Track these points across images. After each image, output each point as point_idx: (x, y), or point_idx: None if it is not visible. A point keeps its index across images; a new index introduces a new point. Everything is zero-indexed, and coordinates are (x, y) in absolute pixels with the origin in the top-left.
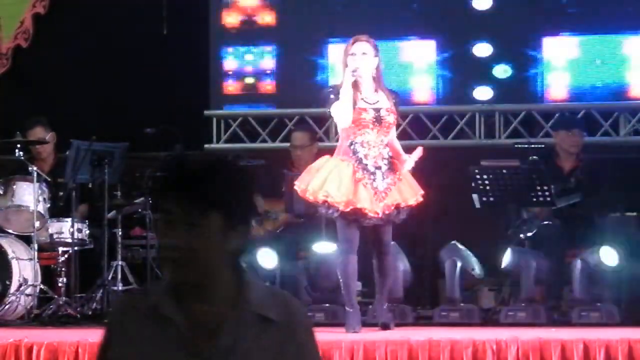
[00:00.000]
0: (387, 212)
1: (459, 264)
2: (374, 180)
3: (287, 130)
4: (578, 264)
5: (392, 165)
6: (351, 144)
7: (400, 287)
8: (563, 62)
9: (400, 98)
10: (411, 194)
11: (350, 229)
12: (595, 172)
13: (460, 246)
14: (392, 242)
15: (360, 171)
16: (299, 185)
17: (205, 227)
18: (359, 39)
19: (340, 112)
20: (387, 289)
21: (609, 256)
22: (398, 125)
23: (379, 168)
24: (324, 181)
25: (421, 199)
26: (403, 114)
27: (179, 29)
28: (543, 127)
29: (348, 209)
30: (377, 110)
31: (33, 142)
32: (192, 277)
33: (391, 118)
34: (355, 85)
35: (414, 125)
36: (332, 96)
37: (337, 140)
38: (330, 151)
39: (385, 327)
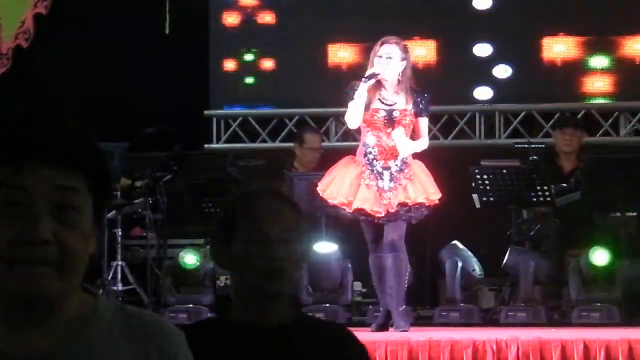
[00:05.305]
0: (390, 210)
1: (459, 264)
2: (379, 180)
3: (287, 130)
4: (574, 264)
5: (405, 166)
6: (365, 144)
7: None
8: (563, 62)
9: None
10: (420, 192)
11: (366, 229)
12: (595, 172)
13: (460, 246)
14: None
15: (367, 171)
16: (319, 187)
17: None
18: (387, 40)
19: (349, 115)
20: (402, 290)
21: (606, 256)
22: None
23: (387, 168)
24: (331, 182)
25: (434, 200)
26: None
27: (179, 29)
28: (543, 127)
29: (352, 209)
30: (390, 111)
31: None
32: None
33: (407, 119)
34: (378, 85)
35: None
36: (351, 92)
37: (337, 141)
38: (330, 151)
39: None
